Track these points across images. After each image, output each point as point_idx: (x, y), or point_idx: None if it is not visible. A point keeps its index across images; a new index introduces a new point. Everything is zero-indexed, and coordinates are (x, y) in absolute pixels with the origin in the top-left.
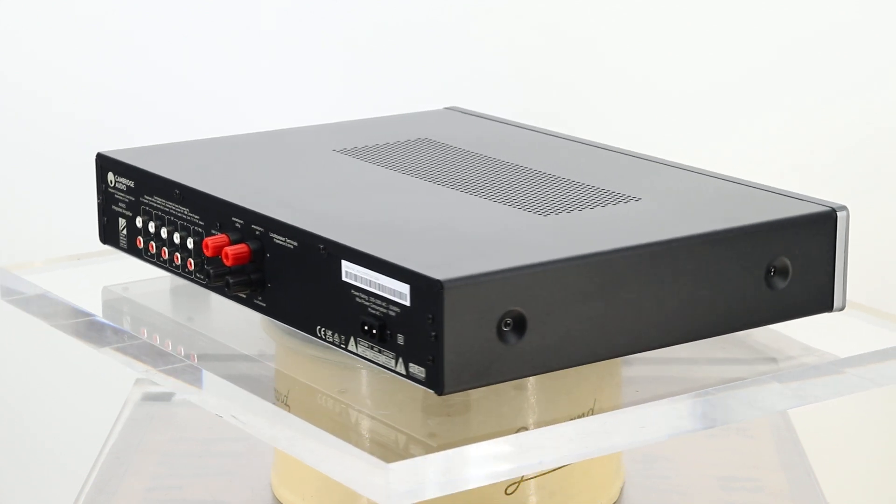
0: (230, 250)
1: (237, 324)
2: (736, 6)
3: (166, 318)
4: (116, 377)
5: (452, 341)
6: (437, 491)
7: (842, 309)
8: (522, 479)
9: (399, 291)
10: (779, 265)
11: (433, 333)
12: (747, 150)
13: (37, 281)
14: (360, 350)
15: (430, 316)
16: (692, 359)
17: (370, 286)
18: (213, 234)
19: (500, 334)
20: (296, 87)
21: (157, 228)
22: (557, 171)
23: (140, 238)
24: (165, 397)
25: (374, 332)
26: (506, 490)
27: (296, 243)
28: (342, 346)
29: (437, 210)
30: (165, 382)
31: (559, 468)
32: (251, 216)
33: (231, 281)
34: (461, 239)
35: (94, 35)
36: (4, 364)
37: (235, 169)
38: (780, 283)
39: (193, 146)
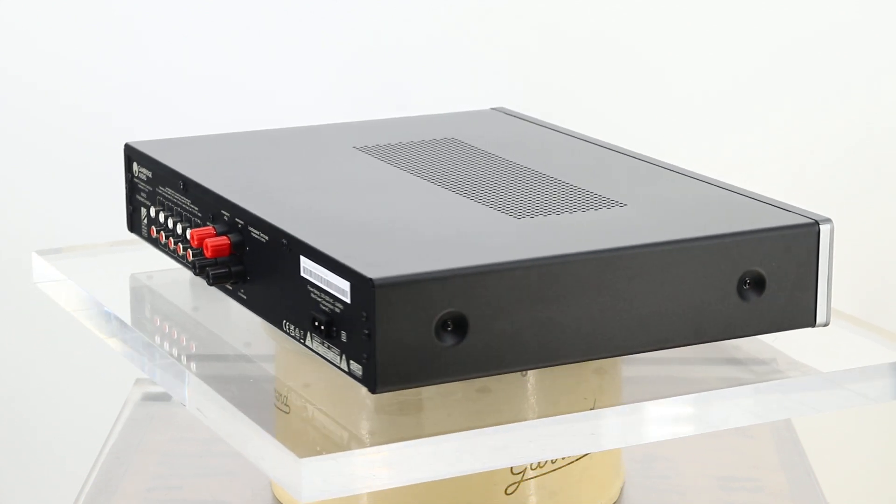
0: (210, 242)
1: (244, 315)
2: (740, 7)
3: (176, 309)
4: (116, 377)
5: (386, 340)
6: (344, 490)
7: (825, 324)
8: (522, 479)
9: (342, 288)
10: (753, 277)
11: (366, 331)
12: (747, 150)
13: (66, 267)
14: (315, 346)
15: (365, 314)
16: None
17: (321, 282)
18: (204, 226)
19: (439, 335)
20: (354, 83)
21: (166, 219)
22: (563, 175)
23: (153, 228)
24: (165, 397)
25: (323, 328)
26: (506, 490)
27: (267, 237)
28: (301, 340)
29: (416, 209)
30: (153, 377)
31: (559, 468)
32: (235, 210)
33: (211, 272)
34: (419, 239)
35: (123, 35)
36: (5, 364)
37: (245, 163)
38: (755, 296)
39: (218, 140)
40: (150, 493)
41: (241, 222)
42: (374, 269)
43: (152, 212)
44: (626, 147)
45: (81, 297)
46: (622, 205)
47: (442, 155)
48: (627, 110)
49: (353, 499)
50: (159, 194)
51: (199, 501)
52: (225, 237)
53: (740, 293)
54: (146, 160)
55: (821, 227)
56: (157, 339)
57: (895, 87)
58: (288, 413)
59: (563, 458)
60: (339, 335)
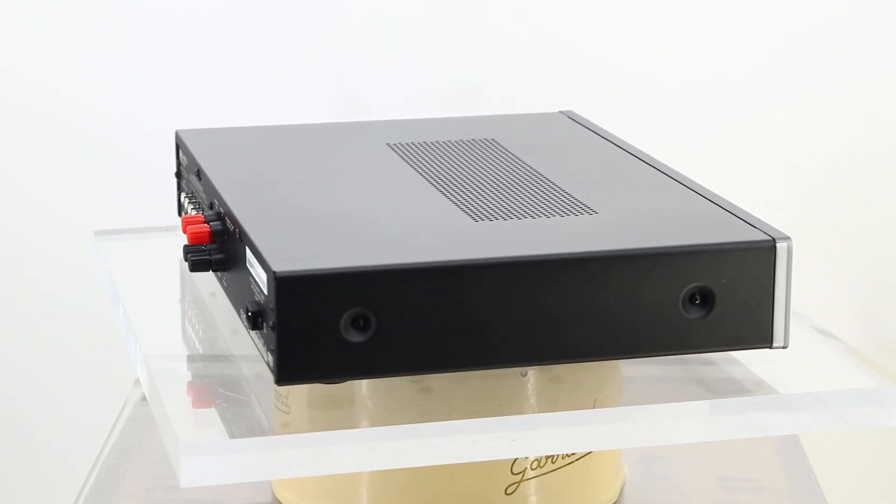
0: (191, 229)
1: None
2: (742, 7)
3: (198, 294)
4: (116, 377)
5: (288, 333)
6: (221, 478)
7: (784, 346)
8: (522, 479)
9: (263, 280)
10: (702, 293)
11: (272, 323)
12: (747, 150)
13: (114, 249)
14: (252, 336)
15: (272, 307)
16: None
17: (254, 273)
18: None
19: (346, 332)
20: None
21: (188, 205)
22: (564, 181)
23: (182, 214)
24: None
25: (251, 318)
26: (506, 490)
27: (233, 227)
28: (249, 330)
29: (384, 207)
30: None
31: (559, 468)
32: (220, 199)
33: (191, 259)
34: (355, 236)
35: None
36: (5, 363)
37: (262, 155)
38: (703, 312)
39: (258, 132)
40: (150, 493)
41: (221, 211)
42: (283, 263)
43: (183, 198)
44: (662, 159)
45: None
46: (593, 212)
47: (463, 155)
48: (627, 108)
49: (353, 498)
50: (188, 181)
51: (199, 501)
52: (206, 225)
53: (687, 309)
54: (184, 148)
55: (777, 244)
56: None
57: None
58: (288, 413)
59: (564, 458)
60: (262, 326)
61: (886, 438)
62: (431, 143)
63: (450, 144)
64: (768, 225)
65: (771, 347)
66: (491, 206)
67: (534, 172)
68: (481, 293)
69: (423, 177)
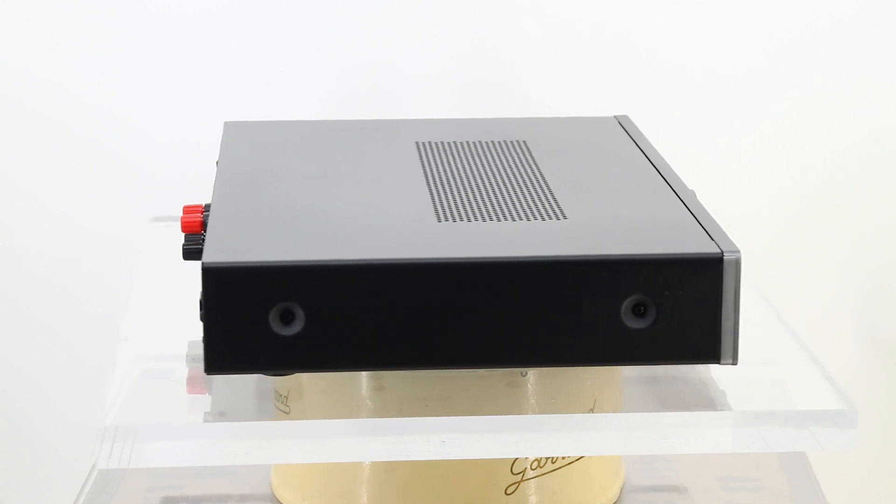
0: (185, 218)
1: None
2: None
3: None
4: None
5: (215, 324)
6: (134, 462)
7: (733, 363)
8: (522, 479)
9: None
10: (644, 304)
11: (202, 313)
12: (748, 146)
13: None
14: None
15: (202, 297)
16: None
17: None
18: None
19: (273, 325)
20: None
21: None
22: (559, 185)
23: None
24: None
25: (200, 308)
26: (506, 490)
27: (206, 218)
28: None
29: (360, 204)
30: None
31: (559, 468)
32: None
33: (183, 247)
34: (305, 232)
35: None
36: (5, 362)
37: (284, 149)
38: (644, 324)
39: (303, 126)
40: (149, 493)
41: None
42: (214, 255)
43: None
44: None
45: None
46: (562, 218)
47: (481, 156)
48: (626, 105)
49: (353, 498)
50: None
51: (199, 501)
52: (199, 215)
53: (629, 319)
54: (222, 139)
55: (725, 258)
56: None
57: None
58: (288, 413)
59: (564, 459)
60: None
61: (886, 438)
62: (460, 143)
63: (477, 145)
64: (727, 238)
65: (719, 363)
66: (469, 206)
67: (536, 176)
68: (409, 293)
69: (426, 176)
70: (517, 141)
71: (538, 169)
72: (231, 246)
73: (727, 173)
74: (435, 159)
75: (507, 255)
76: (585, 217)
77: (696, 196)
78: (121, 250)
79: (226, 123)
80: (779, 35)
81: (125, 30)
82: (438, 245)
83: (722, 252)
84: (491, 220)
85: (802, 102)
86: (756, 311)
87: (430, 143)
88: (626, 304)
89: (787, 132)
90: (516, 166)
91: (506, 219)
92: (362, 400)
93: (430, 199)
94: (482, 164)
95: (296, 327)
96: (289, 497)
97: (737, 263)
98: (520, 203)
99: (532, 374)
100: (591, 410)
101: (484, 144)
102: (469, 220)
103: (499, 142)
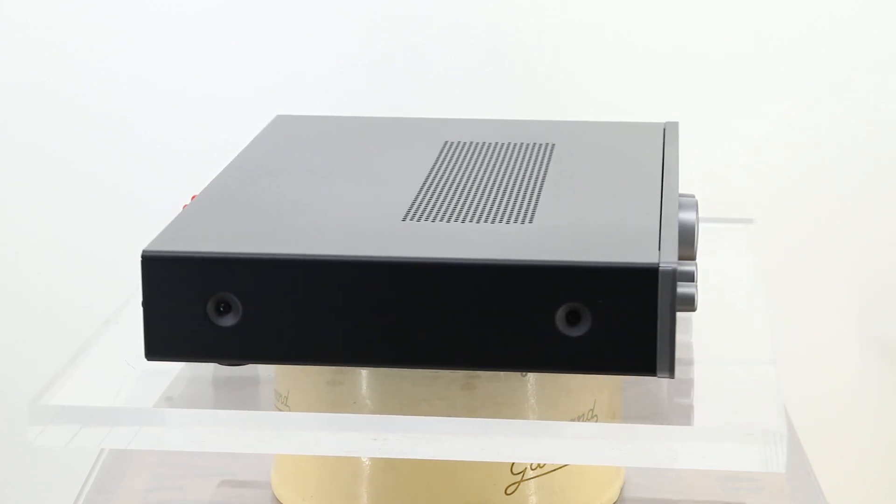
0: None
1: None
2: None
3: None
4: None
5: (153, 312)
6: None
7: (669, 376)
8: (522, 479)
9: None
10: (578, 312)
11: (142, 301)
12: (748, 142)
13: None
14: None
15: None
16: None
17: None
18: None
19: (210, 315)
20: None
21: None
22: (554, 190)
23: None
24: None
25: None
26: (506, 490)
27: None
28: None
29: (341, 200)
30: None
31: (559, 468)
32: None
33: None
34: (261, 225)
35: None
36: (5, 363)
37: (314, 144)
38: (577, 332)
39: (349, 122)
40: (149, 493)
41: None
42: (156, 243)
43: None
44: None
45: None
46: (528, 222)
47: (498, 158)
48: (625, 100)
49: (353, 498)
50: None
51: (199, 501)
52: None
53: (563, 327)
54: (261, 132)
55: (661, 269)
56: None
57: None
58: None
59: None
60: None
61: (886, 438)
62: (487, 143)
63: (503, 146)
64: (673, 250)
65: (655, 376)
66: (446, 207)
67: (538, 179)
68: (341, 290)
69: (429, 176)
70: (545, 143)
71: (545, 172)
72: (178, 235)
73: (727, 173)
74: (452, 159)
75: (441, 256)
76: (550, 222)
77: (694, 205)
78: (122, 253)
79: (277, 117)
80: (778, 35)
81: (126, 30)
82: (379, 243)
83: (657, 263)
84: (457, 221)
85: (802, 102)
86: (751, 313)
87: (458, 142)
88: (561, 311)
89: (786, 132)
90: (526, 169)
91: (473, 221)
92: (362, 400)
93: (412, 199)
94: (494, 166)
95: (233, 318)
96: (289, 497)
97: (672, 275)
98: (498, 205)
99: (532, 375)
100: (591, 410)
101: (510, 146)
102: (435, 221)
103: (526, 144)
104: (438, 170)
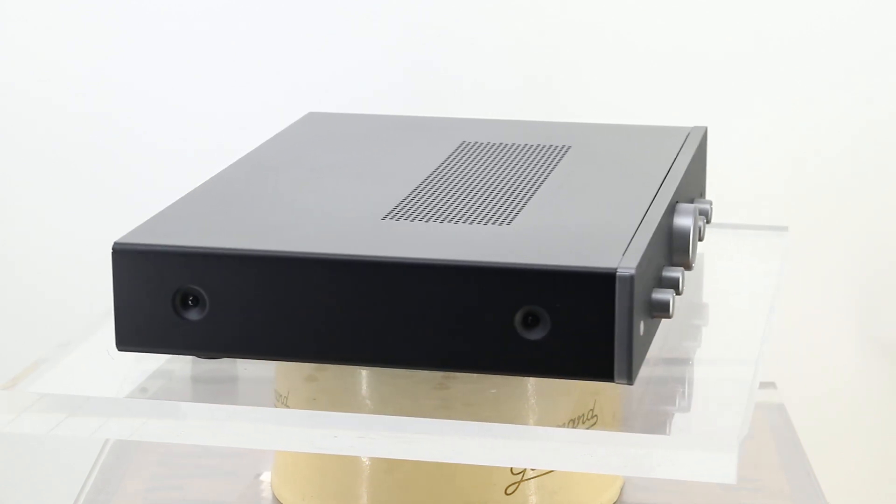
0: None
1: None
2: None
3: None
4: None
5: (123, 304)
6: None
7: (627, 382)
8: (522, 479)
9: None
10: (536, 315)
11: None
12: (749, 140)
13: None
14: None
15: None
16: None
17: None
18: None
19: (176, 308)
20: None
21: None
22: (547, 193)
23: None
24: None
25: None
26: (506, 490)
27: None
28: None
29: (328, 198)
30: None
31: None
32: None
33: None
34: (238, 221)
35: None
36: (5, 364)
37: (329, 142)
38: (536, 336)
39: (380, 120)
40: (149, 493)
41: None
42: (130, 236)
43: None
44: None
45: None
46: (506, 224)
47: (508, 159)
48: (626, 98)
49: (353, 498)
50: None
51: (199, 501)
52: None
53: (522, 330)
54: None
55: (618, 274)
56: None
57: None
58: None
59: None
60: None
61: (886, 438)
62: (503, 144)
63: (518, 147)
64: (637, 255)
65: (612, 381)
66: (431, 207)
67: (538, 181)
68: (305, 287)
69: (430, 175)
70: (561, 145)
71: (549, 174)
72: (152, 229)
73: (727, 173)
74: (461, 159)
75: (401, 255)
76: (528, 225)
77: (691, 211)
78: None
79: (308, 113)
80: (777, 35)
81: (129, 30)
82: (346, 241)
83: (615, 269)
84: (437, 221)
85: (801, 101)
86: (751, 316)
87: (475, 142)
88: (520, 314)
89: (785, 131)
90: (532, 170)
91: (452, 221)
92: (362, 399)
93: (402, 198)
94: (500, 167)
95: (199, 312)
96: (289, 497)
97: (631, 281)
98: (484, 207)
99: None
100: (591, 410)
101: (526, 147)
102: (414, 221)
103: (542, 145)
104: (443, 169)
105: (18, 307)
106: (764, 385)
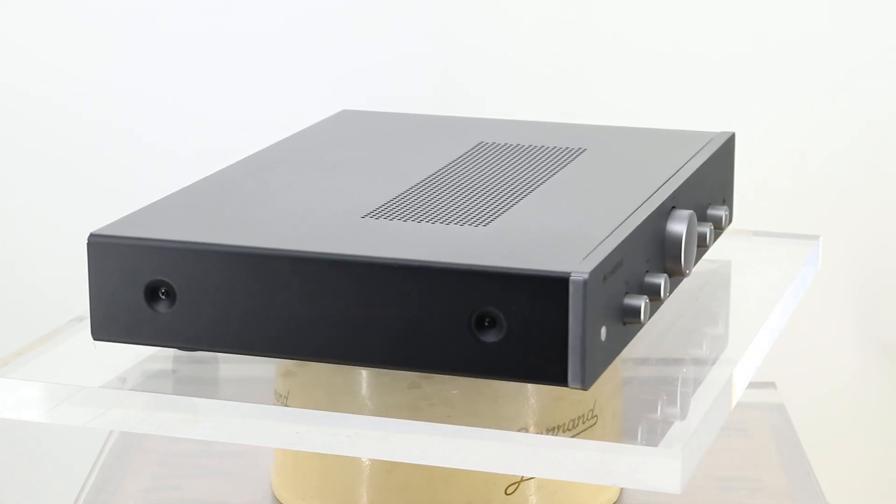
0: None
1: None
2: None
3: None
4: None
5: (97, 295)
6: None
7: (581, 388)
8: (522, 479)
9: None
10: (490, 318)
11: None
12: (750, 138)
13: None
14: None
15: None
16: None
17: None
18: None
19: (148, 300)
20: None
21: None
22: (541, 195)
23: None
24: None
25: None
26: (506, 490)
27: None
28: None
29: (318, 195)
30: None
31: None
32: None
33: None
34: (212, 214)
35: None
36: None
37: (348, 139)
38: (491, 338)
39: (409, 119)
40: (149, 493)
41: None
42: (106, 228)
43: None
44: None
45: None
46: (482, 226)
47: (517, 160)
48: (626, 97)
49: (353, 498)
50: None
51: (199, 501)
52: None
53: (477, 332)
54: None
55: (571, 279)
56: None
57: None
58: None
59: None
60: None
61: (886, 438)
62: (521, 145)
63: (534, 149)
64: (597, 260)
65: (567, 386)
66: (418, 206)
67: (537, 183)
68: (271, 282)
69: (432, 175)
70: (576, 148)
71: (551, 177)
72: (130, 222)
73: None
74: (471, 160)
75: (362, 253)
76: (504, 227)
77: (686, 217)
78: None
79: (342, 111)
80: (777, 34)
81: (130, 31)
82: (314, 239)
83: (569, 273)
84: (415, 221)
85: (800, 100)
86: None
87: (492, 143)
88: (476, 315)
89: (785, 130)
90: (536, 172)
91: (430, 221)
92: (361, 399)
93: (391, 197)
94: (506, 168)
95: (168, 305)
96: (289, 497)
97: (584, 285)
98: (469, 208)
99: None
100: (591, 411)
101: (541, 149)
102: (393, 220)
103: (558, 147)
104: (447, 169)
105: (18, 307)
106: (764, 385)
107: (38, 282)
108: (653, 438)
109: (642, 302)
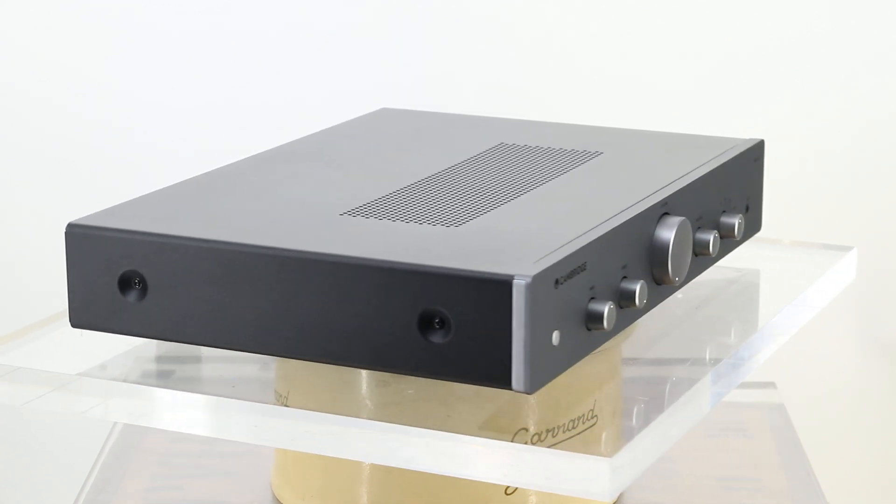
0: None
1: None
2: None
3: None
4: None
5: (74, 283)
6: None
7: (526, 391)
8: None
9: None
10: (437, 318)
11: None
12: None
13: None
14: None
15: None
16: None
17: None
18: None
19: (122, 290)
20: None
21: None
22: (537, 196)
23: None
24: None
25: None
26: (506, 490)
27: None
28: None
29: (306, 192)
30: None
31: None
32: None
33: None
34: (194, 208)
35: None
36: None
37: (371, 137)
38: (438, 338)
39: (444, 119)
40: (149, 493)
41: None
42: (85, 219)
43: None
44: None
45: None
46: (455, 226)
47: (529, 162)
48: (625, 96)
49: (353, 498)
50: None
51: (199, 501)
52: None
53: (423, 332)
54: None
55: (514, 282)
56: None
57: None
58: None
59: None
60: None
61: (886, 438)
62: (539, 147)
63: (551, 151)
64: (546, 264)
65: (511, 389)
66: (400, 205)
67: (535, 185)
68: (234, 277)
69: (434, 175)
70: (593, 151)
71: (552, 180)
72: (110, 213)
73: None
74: (482, 160)
75: (320, 250)
76: (476, 228)
77: (675, 225)
78: None
79: (381, 109)
80: (778, 35)
81: (130, 31)
82: (281, 234)
83: (512, 276)
84: (390, 220)
85: (800, 99)
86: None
87: (512, 144)
88: (424, 316)
89: (785, 130)
90: (539, 174)
91: (406, 221)
92: (362, 399)
93: (379, 196)
94: (511, 169)
95: (139, 295)
96: (289, 497)
97: (527, 289)
98: (453, 208)
99: None
100: (591, 411)
101: (557, 152)
102: (369, 218)
103: (575, 150)
104: (451, 169)
105: (18, 307)
106: (764, 385)
107: (38, 282)
108: (584, 447)
109: (606, 308)
